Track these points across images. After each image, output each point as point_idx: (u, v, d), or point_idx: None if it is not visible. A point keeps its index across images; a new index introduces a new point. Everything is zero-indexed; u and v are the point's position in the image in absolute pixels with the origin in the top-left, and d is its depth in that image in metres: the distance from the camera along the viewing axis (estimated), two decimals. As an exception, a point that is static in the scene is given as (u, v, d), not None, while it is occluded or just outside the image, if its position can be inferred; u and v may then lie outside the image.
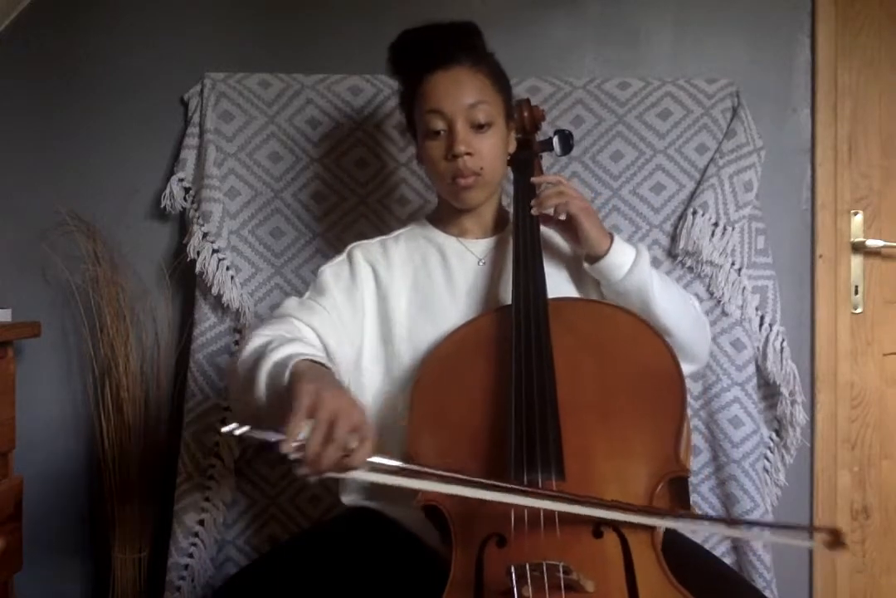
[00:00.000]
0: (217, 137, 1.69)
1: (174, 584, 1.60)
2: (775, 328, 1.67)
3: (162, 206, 1.70)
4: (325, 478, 0.87)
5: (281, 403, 0.95)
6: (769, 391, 1.71)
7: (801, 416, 1.67)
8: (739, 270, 1.66)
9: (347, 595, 1.02)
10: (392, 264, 1.30)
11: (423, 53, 1.24)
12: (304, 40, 1.77)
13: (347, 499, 1.24)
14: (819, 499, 1.78)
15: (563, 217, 1.24)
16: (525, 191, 1.29)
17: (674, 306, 1.24)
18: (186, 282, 1.74)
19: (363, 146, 1.71)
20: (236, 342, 1.66)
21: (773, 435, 1.71)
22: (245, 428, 0.87)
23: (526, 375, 1.06)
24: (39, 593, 1.72)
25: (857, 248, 1.81)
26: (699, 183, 1.69)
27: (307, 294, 1.27)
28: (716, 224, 1.65)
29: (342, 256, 1.32)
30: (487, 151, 1.22)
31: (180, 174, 1.69)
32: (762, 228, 1.70)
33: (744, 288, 1.65)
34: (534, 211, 1.23)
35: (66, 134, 1.76)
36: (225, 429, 0.87)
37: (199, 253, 1.64)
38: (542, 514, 0.95)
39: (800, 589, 1.77)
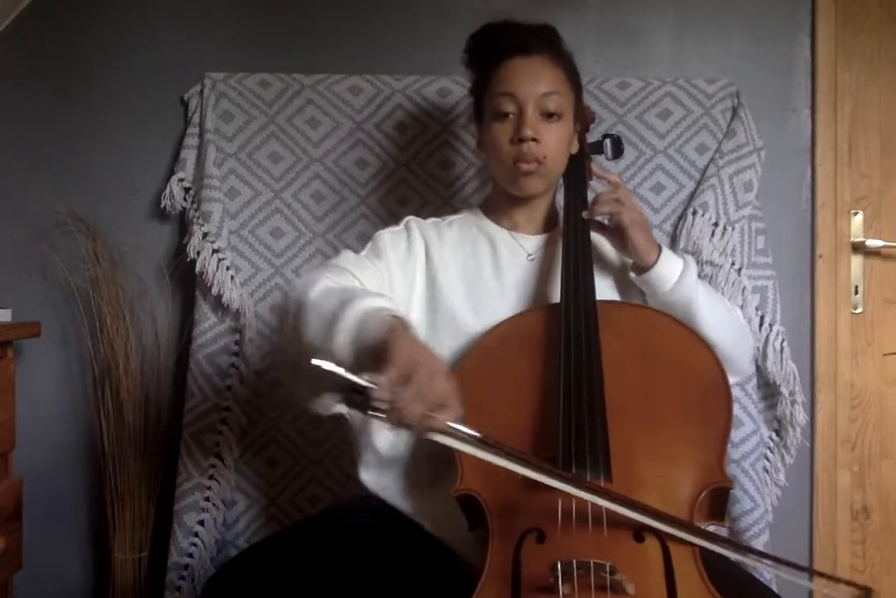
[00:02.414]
0: (217, 137, 1.69)
1: (174, 584, 1.60)
2: (775, 328, 1.67)
3: (162, 206, 1.70)
4: (400, 430, 0.90)
5: (360, 350, 0.95)
6: (769, 391, 1.70)
7: (801, 416, 1.67)
8: (739, 270, 1.65)
9: (351, 587, 1.01)
10: (444, 246, 1.29)
11: (504, 41, 1.26)
12: (304, 40, 1.77)
13: (366, 477, 1.23)
14: (819, 499, 1.78)
15: (610, 223, 1.24)
16: (576, 191, 1.29)
17: (719, 319, 1.24)
18: (186, 282, 1.74)
19: (363, 146, 1.71)
20: (236, 342, 1.66)
21: (773, 435, 1.71)
22: (333, 366, 0.88)
23: (575, 373, 1.06)
24: (39, 593, 1.72)
25: (857, 248, 1.81)
26: (699, 183, 1.69)
27: (364, 252, 1.25)
28: (716, 224, 1.65)
29: (400, 227, 1.31)
30: (553, 142, 1.22)
31: (180, 174, 1.69)
32: (762, 228, 1.70)
33: (744, 288, 1.64)
34: (585, 214, 1.24)
35: (66, 134, 1.76)
36: (315, 361, 0.88)
37: (199, 253, 1.63)
38: (589, 513, 0.95)
39: (800, 589, 1.77)
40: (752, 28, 1.78)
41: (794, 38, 1.79)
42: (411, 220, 1.32)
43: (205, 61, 1.74)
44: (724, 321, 1.25)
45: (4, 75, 1.76)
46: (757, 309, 1.66)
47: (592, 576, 0.87)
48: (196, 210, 1.66)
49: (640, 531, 0.95)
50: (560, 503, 0.95)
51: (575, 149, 1.32)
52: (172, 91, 1.75)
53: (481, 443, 0.92)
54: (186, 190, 1.69)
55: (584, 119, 1.38)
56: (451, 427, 0.90)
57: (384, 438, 1.21)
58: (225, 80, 1.71)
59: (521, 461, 0.93)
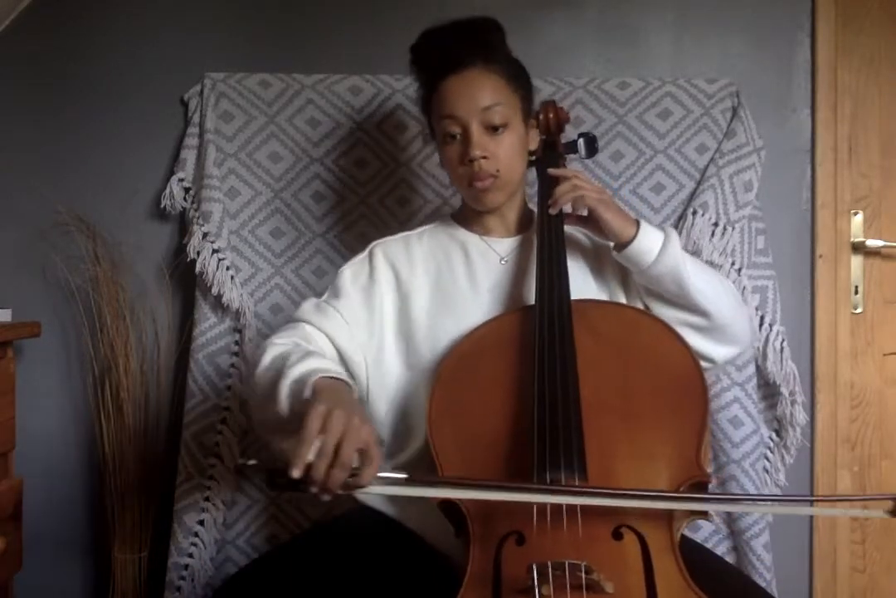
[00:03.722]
0: (217, 137, 1.69)
1: (174, 584, 1.60)
2: (775, 328, 1.67)
3: (162, 206, 1.70)
4: (337, 496, 0.92)
5: (302, 417, 0.97)
6: (769, 391, 1.71)
7: (801, 416, 1.67)
8: (739, 270, 1.65)
9: (349, 595, 1.02)
10: (414, 261, 1.30)
11: (436, 58, 1.24)
12: (304, 40, 1.77)
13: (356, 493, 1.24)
14: (819, 499, 1.78)
15: (583, 212, 1.23)
16: (548, 192, 1.28)
17: (710, 287, 1.22)
18: (186, 282, 1.74)
19: (363, 146, 1.71)
20: (236, 342, 1.66)
21: (773, 435, 1.71)
22: (254, 461, 0.99)
23: (549, 374, 1.06)
24: (39, 593, 1.72)
25: (857, 248, 1.81)
26: (699, 183, 1.69)
27: (324, 296, 1.28)
28: (716, 224, 1.65)
29: (363, 255, 1.32)
30: (503, 154, 1.22)
31: (180, 174, 1.69)
32: (762, 228, 1.70)
33: (744, 288, 1.64)
34: (551, 210, 1.23)
35: (66, 134, 1.77)
36: (240, 461, 0.94)
37: (199, 253, 1.64)
38: (564, 513, 0.95)
39: (800, 589, 1.77)
40: (752, 28, 1.78)
41: (794, 38, 1.79)
42: (376, 245, 1.33)
43: (205, 61, 1.74)
44: (718, 290, 1.24)
45: (4, 75, 1.76)
46: (757, 309, 1.67)
47: (568, 576, 0.87)
48: (196, 210, 1.66)
49: (618, 529, 0.95)
50: (535, 505, 0.96)
51: (534, 145, 1.31)
52: (172, 91, 1.75)
53: (417, 481, 0.96)
54: (186, 190, 1.69)
55: (558, 120, 1.37)
56: (382, 478, 0.93)
57: None
58: (225, 80, 1.71)
59: (467, 486, 0.97)
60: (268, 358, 1.12)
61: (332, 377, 1.03)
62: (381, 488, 0.96)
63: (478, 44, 1.23)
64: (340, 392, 1.01)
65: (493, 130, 1.21)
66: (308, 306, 1.26)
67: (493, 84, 1.22)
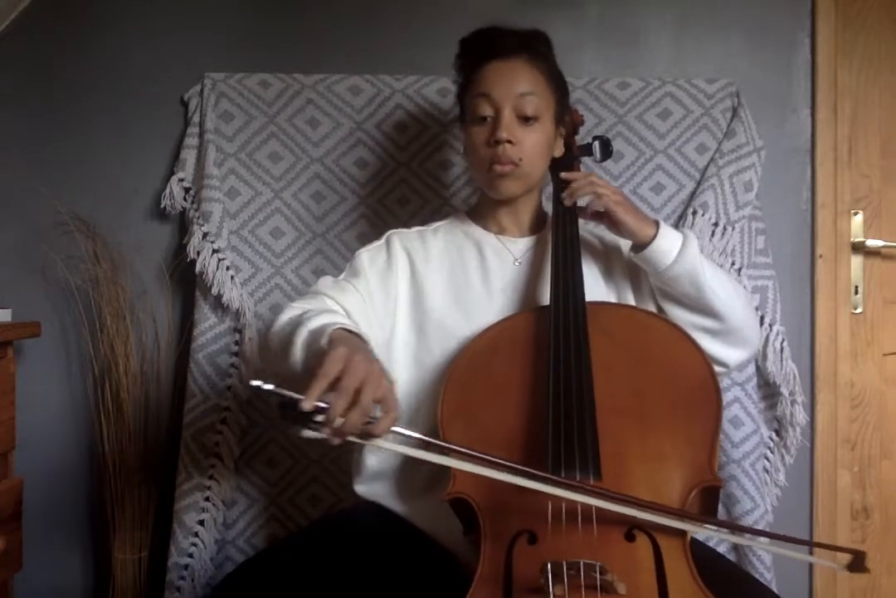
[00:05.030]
0: (217, 137, 1.69)
1: (174, 584, 1.60)
2: (775, 328, 1.67)
3: (162, 206, 1.70)
4: (347, 444, 0.89)
5: (311, 368, 0.95)
6: (769, 391, 1.70)
7: (801, 416, 1.67)
8: (739, 270, 1.65)
9: (351, 591, 1.01)
10: (429, 255, 1.30)
11: (485, 45, 1.26)
12: (304, 40, 1.77)
13: (360, 488, 1.24)
14: (819, 499, 1.78)
15: (599, 209, 1.24)
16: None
17: (726, 290, 1.23)
18: (186, 282, 1.74)
19: (363, 146, 1.71)
20: (236, 342, 1.66)
21: (773, 435, 1.71)
22: (270, 386, 0.87)
23: (564, 375, 1.06)
24: (39, 593, 1.72)
25: (857, 248, 1.81)
26: (699, 183, 1.69)
27: (342, 275, 1.28)
28: (716, 224, 1.65)
29: (380, 242, 1.33)
30: (529, 145, 1.23)
31: (180, 174, 1.69)
32: (762, 228, 1.70)
33: (744, 288, 1.64)
34: (565, 201, 1.24)
35: (66, 134, 1.76)
36: (253, 383, 0.87)
37: (199, 253, 1.64)
38: (579, 513, 0.95)
39: (800, 589, 1.77)
40: (752, 28, 1.78)
41: (794, 38, 1.79)
42: (393, 233, 1.34)
43: (205, 61, 1.74)
44: (731, 293, 1.24)
45: (4, 75, 1.76)
46: (757, 309, 1.66)
47: (583, 576, 0.87)
48: (196, 210, 1.66)
49: (630, 531, 0.95)
50: (550, 505, 0.96)
51: (559, 153, 1.32)
52: (172, 91, 1.75)
53: (430, 444, 0.91)
54: (186, 190, 1.69)
55: (573, 122, 1.37)
56: (396, 432, 0.89)
57: (373, 452, 1.22)
58: (225, 80, 1.71)
59: (486, 463, 0.92)
60: (285, 316, 1.12)
61: (350, 331, 1.01)
62: (395, 446, 0.92)
63: (526, 44, 1.26)
64: (359, 343, 0.99)
65: (525, 120, 1.22)
66: (327, 282, 1.26)
67: (533, 76, 1.24)
